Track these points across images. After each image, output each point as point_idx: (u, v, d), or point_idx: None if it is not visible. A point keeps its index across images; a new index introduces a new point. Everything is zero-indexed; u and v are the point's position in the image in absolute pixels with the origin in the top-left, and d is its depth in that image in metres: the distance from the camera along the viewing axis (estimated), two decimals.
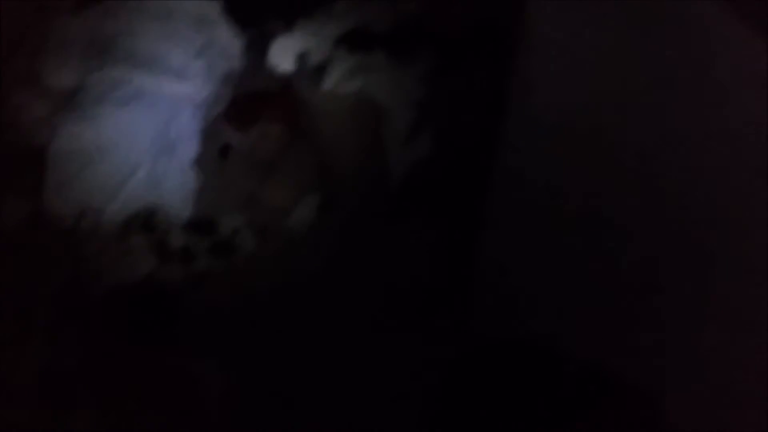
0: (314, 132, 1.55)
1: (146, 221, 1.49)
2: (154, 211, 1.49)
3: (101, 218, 1.46)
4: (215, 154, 1.50)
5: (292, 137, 1.51)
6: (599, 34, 1.06)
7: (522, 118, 1.26)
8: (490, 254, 1.41)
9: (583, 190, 1.17)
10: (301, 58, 1.60)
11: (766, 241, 0.94)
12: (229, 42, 1.52)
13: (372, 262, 1.54)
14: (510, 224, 1.34)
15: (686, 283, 1.06)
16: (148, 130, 1.47)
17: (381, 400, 1.35)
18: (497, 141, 1.32)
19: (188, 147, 1.49)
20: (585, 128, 1.13)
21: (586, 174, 1.16)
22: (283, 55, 1.60)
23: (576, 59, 1.10)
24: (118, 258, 1.45)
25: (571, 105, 1.15)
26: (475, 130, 1.54)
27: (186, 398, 1.36)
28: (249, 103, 1.49)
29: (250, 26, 1.58)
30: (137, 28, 1.47)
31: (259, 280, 1.50)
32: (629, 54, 1.03)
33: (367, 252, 1.54)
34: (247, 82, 1.54)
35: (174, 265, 1.47)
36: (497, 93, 1.30)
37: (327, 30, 1.59)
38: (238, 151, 1.49)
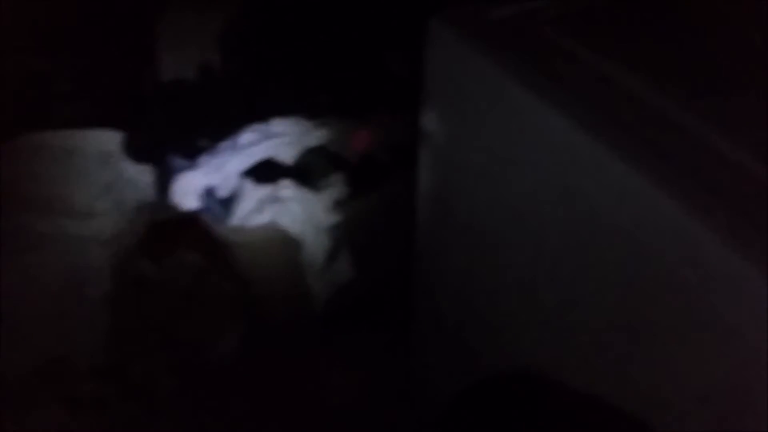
0: (230, 262, 1.51)
1: (54, 372, 1.37)
2: (62, 360, 1.38)
3: (6, 374, 1.34)
4: (129, 289, 1.43)
5: (209, 266, 1.46)
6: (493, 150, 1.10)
7: (434, 230, 1.28)
8: (421, 365, 1.38)
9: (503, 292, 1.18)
10: (208, 192, 1.59)
11: None
12: (137, 175, 1.50)
13: (302, 389, 1.47)
14: (436, 334, 1.32)
15: None
16: (54, 275, 1.40)
17: None
18: (413, 254, 1.33)
19: (98, 286, 1.41)
20: (489, 237, 1.15)
21: (498, 277, 1.17)
22: (186, 192, 1.58)
23: (472, 172, 1.13)
24: (24, 414, 1.32)
25: (473, 216, 1.17)
26: (391, 246, 1.55)
27: None
28: (163, 233, 1.45)
29: (153, 162, 1.57)
30: (39, 170, 1.43)
31: (182, 424, 1.39)
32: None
33: (297, 380, 1.47)
34: (159, 214, 1.50)
35: (85, 416, 1.35)
36: (407, 208, 1.33)
37: (232, 164, 1.60)
38: (153, 283, 1.42)
